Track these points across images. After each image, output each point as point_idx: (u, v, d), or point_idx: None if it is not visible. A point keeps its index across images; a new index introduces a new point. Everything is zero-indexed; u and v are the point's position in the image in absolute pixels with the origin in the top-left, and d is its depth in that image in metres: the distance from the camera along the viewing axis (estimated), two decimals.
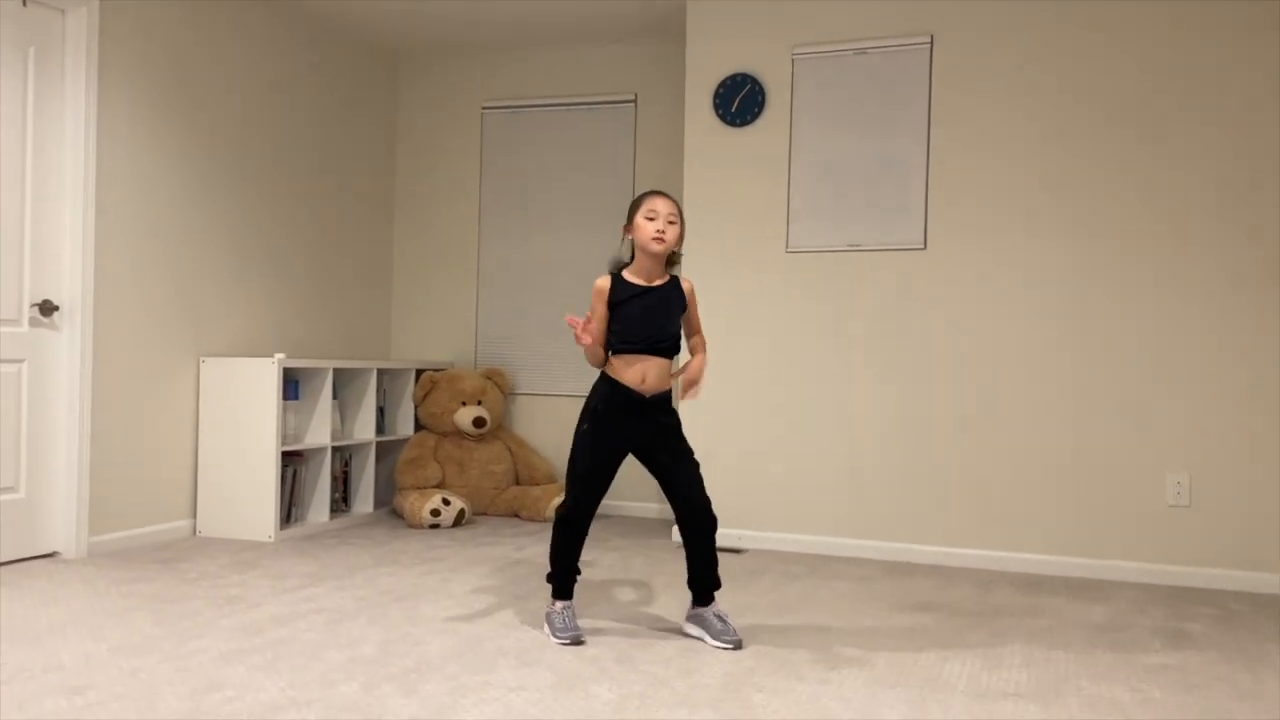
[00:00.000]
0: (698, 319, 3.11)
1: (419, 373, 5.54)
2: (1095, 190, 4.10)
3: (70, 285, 3.94)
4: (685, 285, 3.04)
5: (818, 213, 4.47)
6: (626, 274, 2.97)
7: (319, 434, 4.80)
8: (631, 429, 2.95)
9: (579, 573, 3.05)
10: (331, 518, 4.84)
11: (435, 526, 4.83)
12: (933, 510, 4.28)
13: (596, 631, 3.03)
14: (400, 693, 2.44)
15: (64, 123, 3.94)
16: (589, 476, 2.95)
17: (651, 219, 2.90)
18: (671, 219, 2.92)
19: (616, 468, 2.99)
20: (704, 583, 2.98)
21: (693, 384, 2.99)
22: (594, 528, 4.69)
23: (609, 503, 5.34)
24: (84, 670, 2.55)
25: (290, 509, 4.68)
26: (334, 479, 4.97)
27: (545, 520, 5.05)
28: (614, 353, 2.97)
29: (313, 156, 5.24)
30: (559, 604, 3.00)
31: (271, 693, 2.41)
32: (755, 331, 4.55)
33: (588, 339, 2.90)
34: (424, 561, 4.03)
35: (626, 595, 3.53)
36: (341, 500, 5.09)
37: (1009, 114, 4.21)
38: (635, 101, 5.46)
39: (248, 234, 4.82)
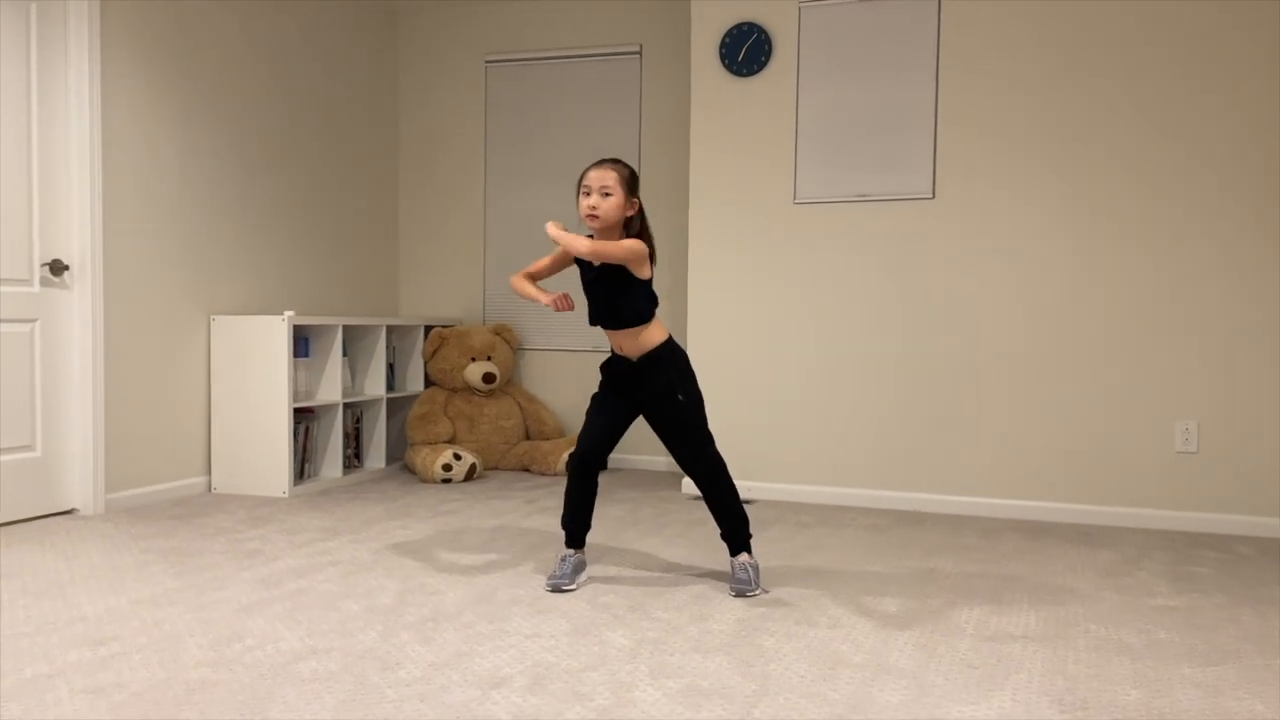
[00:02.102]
0: (617, 243, 2.81)
1: (428, 329, 5.56)
2: (1106, 137, 4.07)
3: (80, 244, 3.95)
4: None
5: (825, 163, 4.44)
6: None
7: (330, 391, 4.83)
8: (627, 389, 2.98)
9: (587, 526, 3.06)
10: (344, 473, 4.89)
11: (447, 481, 4.88)
12: (942, 459, 4.30)
13: (609, 580, 3.08)
14: (418, 640, 2.48)
15: (68, 80, 3.92)
16: (591, 423, 3.00)
17: (586, 195, 2.84)
18: (606, 190, 2.81)
19: (621, 419, 3.01)
20: (724, 533, 3.03)
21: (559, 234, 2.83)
22: (603, 481, 4.76)
23: (618, 456, 5.39)
24: (107, 622, 2.60)
25: (303, 465, 4.73)
26: (346, 435, 5.01)
27: (556, 474, 5.10)
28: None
29: (316, 112, 5.22)
30: (562, 551, 3.06)
31: (292, 642, 2.46)
32: (763, 283, 4.55)
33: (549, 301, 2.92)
34: (437, 515, 4.08)
35: (637, 545, 3.57)
36: (354, 456, 5.13)
37: (1020, 60, 4.16)
38: (640, 53, 5.41)
39: (254, 192, 4.81)
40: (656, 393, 2.95)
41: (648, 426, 3.10)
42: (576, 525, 3.05)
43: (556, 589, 2.94)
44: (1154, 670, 2.34)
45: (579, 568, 3.03)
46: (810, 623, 2.67)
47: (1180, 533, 3.92)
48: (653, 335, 2.93)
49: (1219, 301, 3.95)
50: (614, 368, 3.02)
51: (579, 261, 2.97)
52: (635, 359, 2.95)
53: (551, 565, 3.16)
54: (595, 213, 2.82)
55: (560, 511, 3.25)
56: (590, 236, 2.91)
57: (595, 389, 3.08)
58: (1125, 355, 4.06)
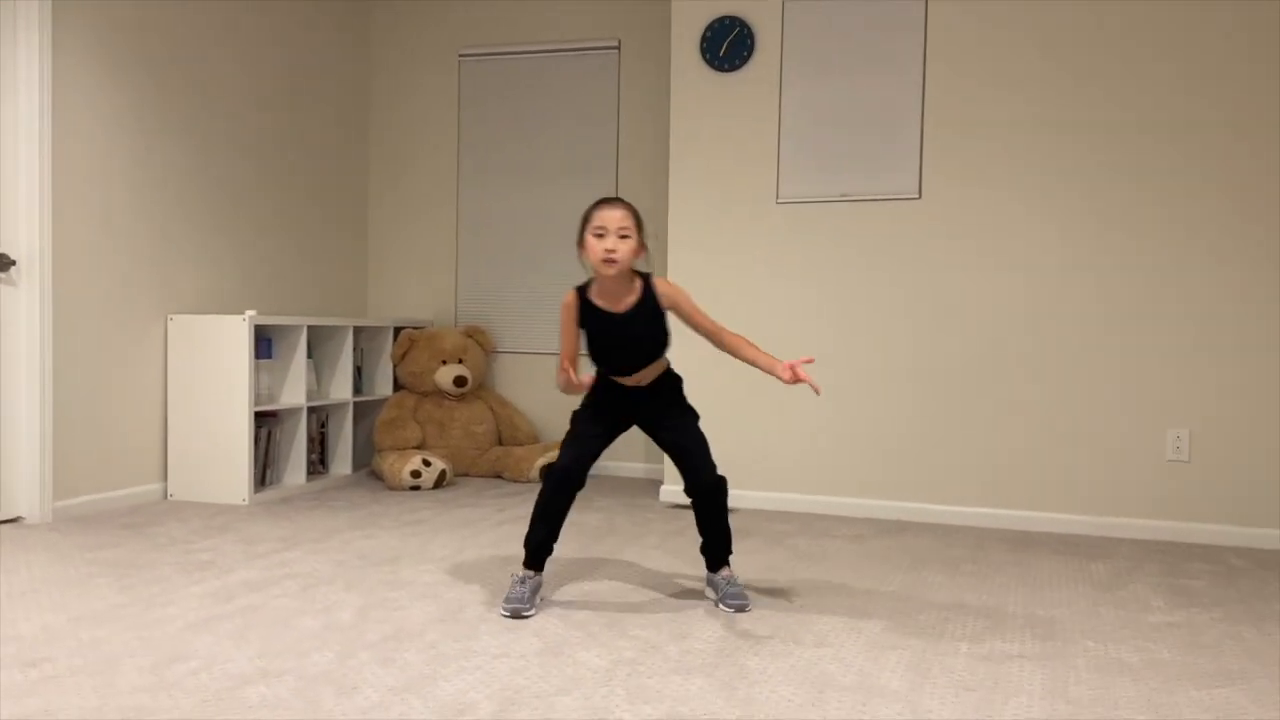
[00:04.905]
0: (702, 319, 2.77)
1: (397, 330, 5.38)
2: (1095, 136, 3.96)
3: (28, 239, 3.74)
4: (663, 293, 2.75)
5: (809, 162, 4.31)
6: (592, 294, 2.76)
7: (294, 394, 4.64)
8: (633, 409, 2.85)
9: (552, 549, 2.85)
10: (308, 480, 4.70)
11: (416, 488, 4.70)
12: (925, 466, 4.18)
13: (583, 595, 2.92)
14: (377, 662, 2.31)
15: (16, 68, 3.72)
16: (579, 438, 2.81)
17: (600, 235, 2.65)
18: (624, 232, 2.64)
19: (611, 436, 2.85)
20: (712, 550, 2.90)
21: (787, 374, 2.67)
22: None
23: None
24: (42, 642, 2.41)
25: (265, 471, 4.53)
26: (310, 440, 4.82)
27: (529, 481, 4.93)
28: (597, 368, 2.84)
29: (283, 106, 5.03)
30: (520, 572, 2.83)
31: (240, 663, 2.28)
32: (744, 285, 4.41)
33: (574, 383, 2.71)
34: (404, 525, 3.90)
35: (613, 557, 3.41)
36: (318, 462, 4.94)
37: (1007, 58, 4.05)
38: (619, 48, 5.27)
39: (216, 186, 4.62)
40: (672, 404, 2.87)
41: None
42: (546, 547, 2.82)
43: (517, 614, 2.69)
44: (1159, 693, 2.21)
45: (537, 589, 2.81)
46: (796, 641, 2.52)
47: (1171, 543, 3.82)
48: (664, 360, 2.86)
49: (1212, 307, 3.84)
50: (619, 393, 2.82)
51: (597, 317, 2.75)
52: (647, 384, 2.83)
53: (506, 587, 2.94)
54: (614, 257, 2.64)
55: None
56: (585, 284, 2.79)
57: (579, 406, 2.89)
58: (1115, 361, 3.96)
